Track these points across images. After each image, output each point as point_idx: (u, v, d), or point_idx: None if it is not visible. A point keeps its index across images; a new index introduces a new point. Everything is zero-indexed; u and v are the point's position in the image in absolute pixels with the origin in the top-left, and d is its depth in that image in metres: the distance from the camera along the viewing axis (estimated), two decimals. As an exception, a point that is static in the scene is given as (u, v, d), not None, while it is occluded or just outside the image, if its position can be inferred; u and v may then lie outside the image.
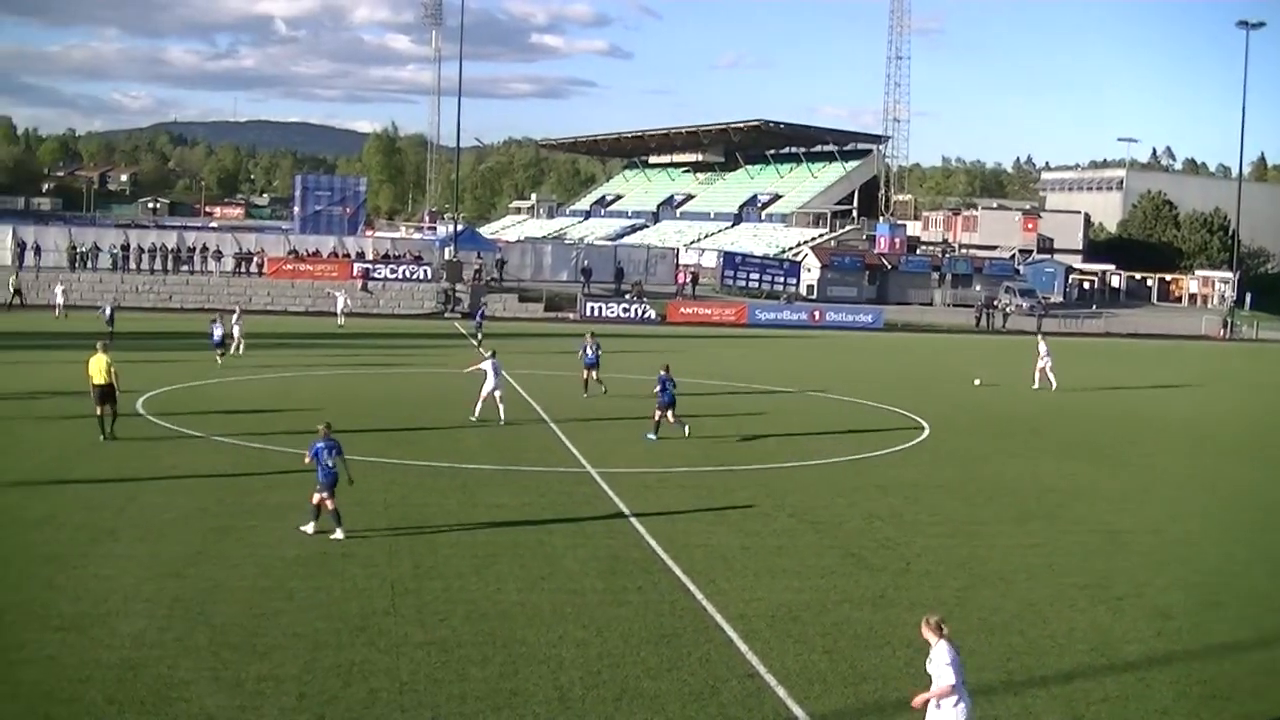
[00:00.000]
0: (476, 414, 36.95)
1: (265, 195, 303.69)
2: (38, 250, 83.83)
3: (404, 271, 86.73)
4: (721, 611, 19.28)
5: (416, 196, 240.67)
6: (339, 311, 71.39)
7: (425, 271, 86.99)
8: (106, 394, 31.78)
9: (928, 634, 13.21)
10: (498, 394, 36.99)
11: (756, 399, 45.53)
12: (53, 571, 20.09)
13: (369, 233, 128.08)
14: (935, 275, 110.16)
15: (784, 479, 30.33)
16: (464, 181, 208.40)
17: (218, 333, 49.53)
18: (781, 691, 16.18)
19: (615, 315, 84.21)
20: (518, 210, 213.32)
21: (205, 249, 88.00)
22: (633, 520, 25.16)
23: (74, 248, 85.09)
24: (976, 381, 53.15)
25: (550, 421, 37.53)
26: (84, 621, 17.76)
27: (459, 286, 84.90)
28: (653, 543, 23.34)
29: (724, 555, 22.71)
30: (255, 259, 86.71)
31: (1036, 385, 51.71)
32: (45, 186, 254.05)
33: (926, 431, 39.04)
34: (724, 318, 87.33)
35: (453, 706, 15.29)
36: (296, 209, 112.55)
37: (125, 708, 14.87)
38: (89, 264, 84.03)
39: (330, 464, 22.72)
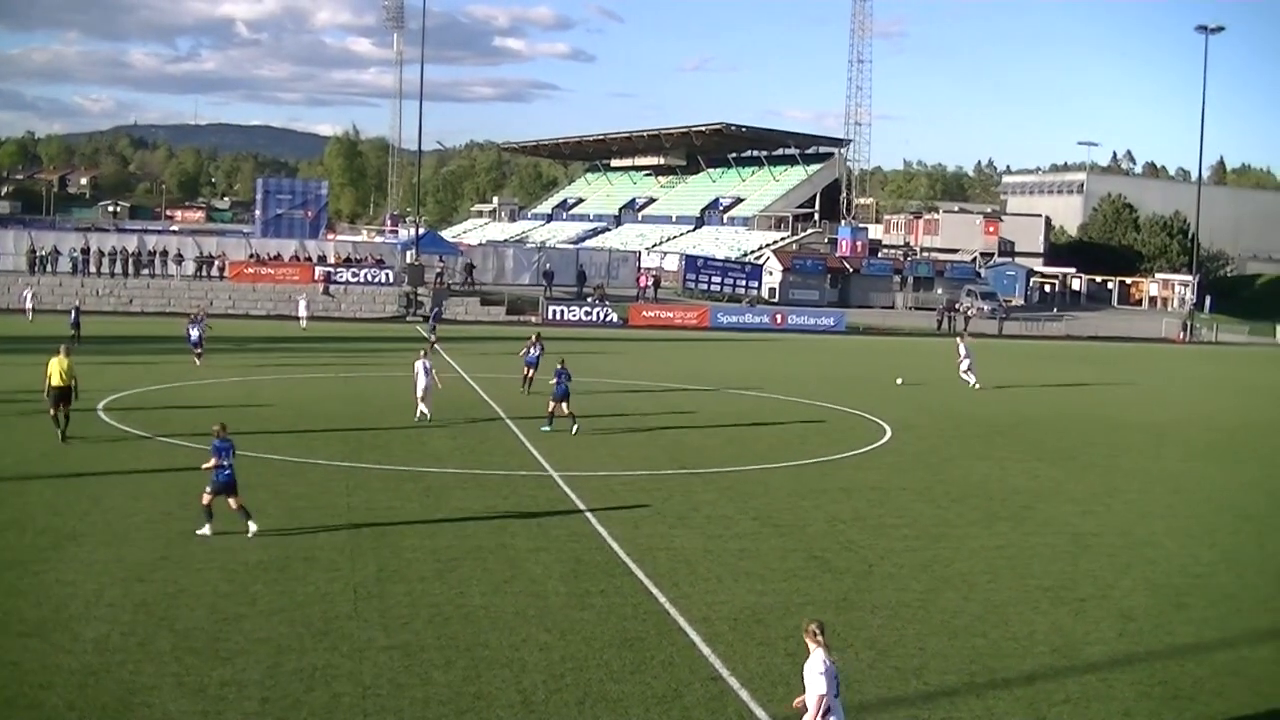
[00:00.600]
0: (428, 414, 37.47)
1: (226, 199, 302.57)
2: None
3: (366, 275, 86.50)
4: (685, 615, 19.30)
5: (378, 200, 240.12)
6: (301, 315, 71.17)
7: (387, 275, 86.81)
8: (62, 396, 31.73)
9: (807, 640, 13.12)
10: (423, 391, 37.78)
11: (719, 402, 45.54)
12: (15, 576, 19.97)
13: (331, 236, 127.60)
14: (897, 278, 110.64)
15: (747, 482, 30.36)
16: (426, 185, 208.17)
17: (194, 333, 50.06)
18: (745, 694, 16.21)
19: (577, 318, 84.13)
20: (480, 213, 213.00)
21: (166, 252, 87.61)
22: (596, 523, 25.16)
23: (33, 251, 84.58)
24: (899, 380, 53.53)
25: (513, 425, 37.48)
26: (46, 627, 17.66)
27: (421, 290, 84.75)
28: (616, 546, 23.35)
29: (687, 558, 22.73)
30: (217, 262, 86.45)
31: (975, 384, 52.31)
32: (4, 189, 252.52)
33: (889, 434, 39.13)
34: (686, 321, 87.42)
35: (416, 710, 15.27)
36: (258, 212, 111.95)
37: (87, 714, 14.80)
38: (49, 267, 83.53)
39: (227, 464, 22.75)
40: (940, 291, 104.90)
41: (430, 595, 19.80)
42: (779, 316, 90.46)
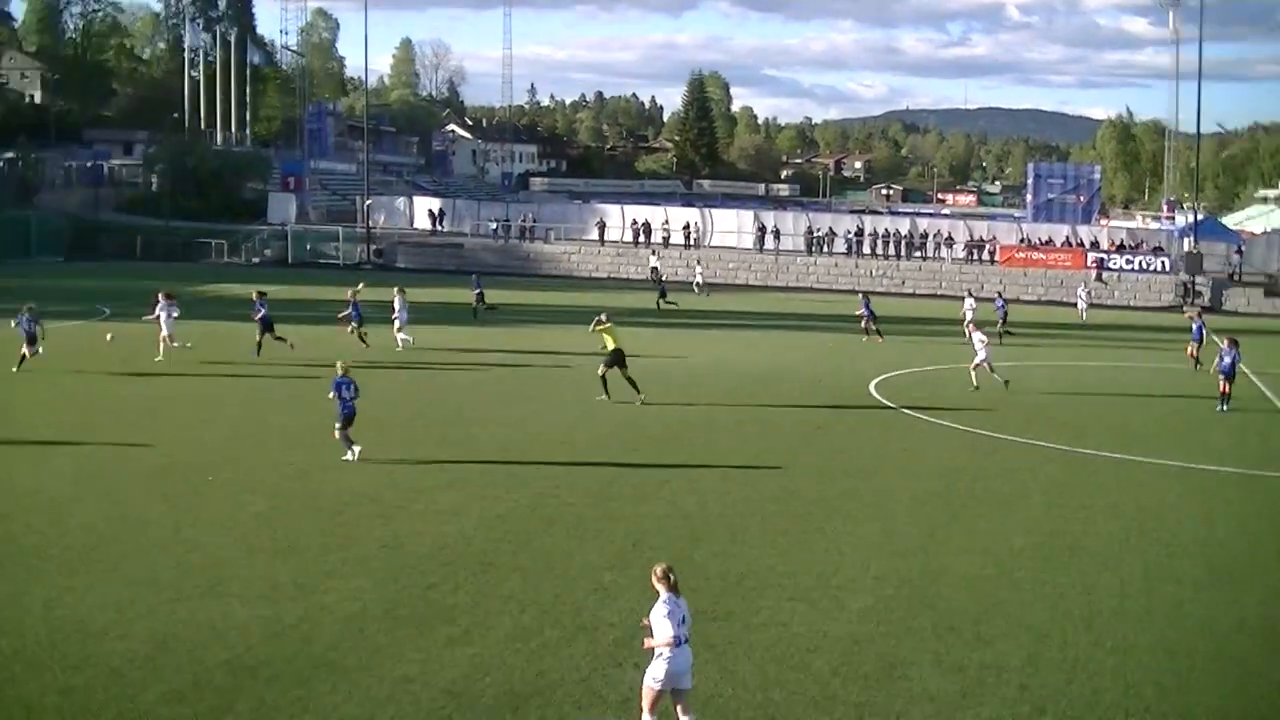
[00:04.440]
0: (976, 382, 38.62)
1: (996, 183, 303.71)
2: (776, 234, 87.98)
3: (1140, 262, 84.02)
4: None
5: (1153, 185, 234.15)
6: (1081, 306, 69.41)
7: (1163, 263, 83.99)
8: (619, 358, 34.42)
9: (655, 583, 12.92)
10: (987, 364, 38.71)
11: None
12: (788, 542, 20.90)
13: (1103, 222, 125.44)
14: None
15: None
16: (1204, 169, 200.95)
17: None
18: None
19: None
20: (1265, 199, 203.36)
21: (937, 235, 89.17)
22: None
23: (810, 232, 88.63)
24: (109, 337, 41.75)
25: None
26: (814, 594, 18.30)
27: (1199, 279, 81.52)
28: None
29: None
30: (987, 246, 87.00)
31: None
32: (784, 173, 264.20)
33: None
34: None
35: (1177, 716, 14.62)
36: (1029, 196, 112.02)
37: (850, 680, 15.17)
38: (824, 248, 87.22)
39: None
40: None
41: (1200, 601, 18.87)
42: None
